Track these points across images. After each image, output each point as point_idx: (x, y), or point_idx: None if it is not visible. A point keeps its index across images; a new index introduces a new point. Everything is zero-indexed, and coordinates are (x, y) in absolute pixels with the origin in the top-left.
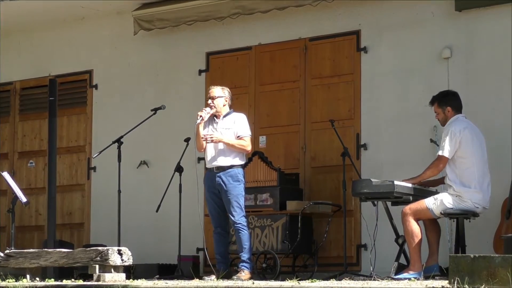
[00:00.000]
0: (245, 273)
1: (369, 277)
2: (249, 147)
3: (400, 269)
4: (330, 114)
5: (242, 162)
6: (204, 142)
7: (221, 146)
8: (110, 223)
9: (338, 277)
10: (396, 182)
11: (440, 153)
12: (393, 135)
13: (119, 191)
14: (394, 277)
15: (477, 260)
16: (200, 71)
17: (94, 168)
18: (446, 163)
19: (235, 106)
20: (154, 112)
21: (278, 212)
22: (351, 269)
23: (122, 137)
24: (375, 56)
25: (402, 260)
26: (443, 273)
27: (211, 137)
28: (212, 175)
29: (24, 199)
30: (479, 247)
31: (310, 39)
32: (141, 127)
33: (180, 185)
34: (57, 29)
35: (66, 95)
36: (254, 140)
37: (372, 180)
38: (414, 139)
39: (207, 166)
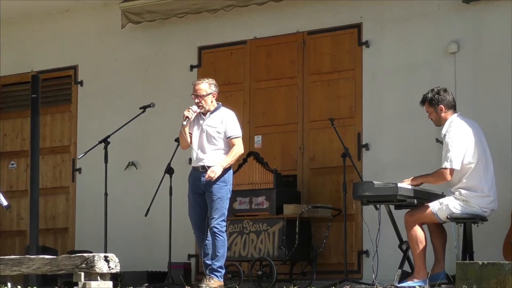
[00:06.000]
0: (214, 281)
1: (371, 285)
2: (242, 150)
3: (404, 276)
4: (330, 113)
5: None
6: (189, 139)
7: (207, 145)
8: (96, 228)
9: (339, 285)
10: (399, 185)
11: (448, 165)
12: (397, 135)
13: (106, 194)
14: (398, 285)
15: (485, 267)
16: (192, 67)
17: (79, 170)
18: (451, 175)
19: (229, 104)
20: (143, 110)
21: (275, 216)
22: (352, 277)
23: (109, 136)
24: (378, 51)
25: (406, 267)
26: (450, 281)
27: (212, 177)
28: (197, 174)
29: (5, 203)
30: (487, 254)
31: (308, 33)
32: (129, 126)
33: (171, 187)
34: (40, 22)
35: (50, 92)
36: (249, 140)
37: (374, 182)
38: (419, 139)
39: (192, 165)
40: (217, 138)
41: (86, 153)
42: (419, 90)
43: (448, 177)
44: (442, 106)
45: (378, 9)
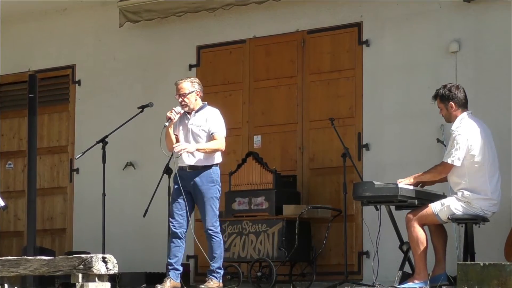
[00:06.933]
0: (213, 282)
1: (371, 286)
2: (223, 146)
3: (405, 278)
4: (330, 112)
5: (218, 161)
6: (175, 141)
7: (193, 144)
8: (94, 229)
9: (339, 286)
10: (400, 185)
11: (448, 161)
12: (397, 135)
13: (104, 195)
14: (398, 286)
15: (487, 268)
16: (191, 66)
17: (77, 170)
18: (450, 171)
19: (228, 103)
20: (141, 110)
21: (274, 217)
22: (352, 278)
23: (107, 136)
24: (378, 50)
25: (407, 268)
26: (451, 282)
27: (185, 150)
28: (185, 175)
29: (2, 203)
30: (489, 254)
31: (308, 32)
32: (127, 126)
33: (169, 188)
34: (38, 21)
35: (47, 91)
36: (249, 139)
37: (375, 182)
38: (420, 138)
39: (179, 165)
40: (203, 137)
41: (84, 153)
42: (419, 89)
43: (447, 172)
44: (453, 103)
45: (378, 8)
